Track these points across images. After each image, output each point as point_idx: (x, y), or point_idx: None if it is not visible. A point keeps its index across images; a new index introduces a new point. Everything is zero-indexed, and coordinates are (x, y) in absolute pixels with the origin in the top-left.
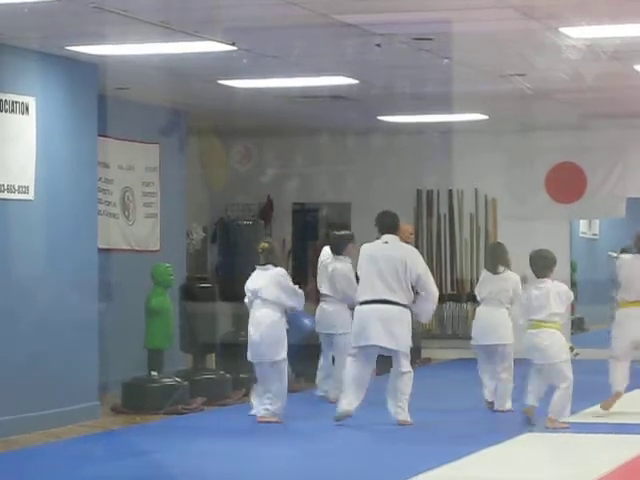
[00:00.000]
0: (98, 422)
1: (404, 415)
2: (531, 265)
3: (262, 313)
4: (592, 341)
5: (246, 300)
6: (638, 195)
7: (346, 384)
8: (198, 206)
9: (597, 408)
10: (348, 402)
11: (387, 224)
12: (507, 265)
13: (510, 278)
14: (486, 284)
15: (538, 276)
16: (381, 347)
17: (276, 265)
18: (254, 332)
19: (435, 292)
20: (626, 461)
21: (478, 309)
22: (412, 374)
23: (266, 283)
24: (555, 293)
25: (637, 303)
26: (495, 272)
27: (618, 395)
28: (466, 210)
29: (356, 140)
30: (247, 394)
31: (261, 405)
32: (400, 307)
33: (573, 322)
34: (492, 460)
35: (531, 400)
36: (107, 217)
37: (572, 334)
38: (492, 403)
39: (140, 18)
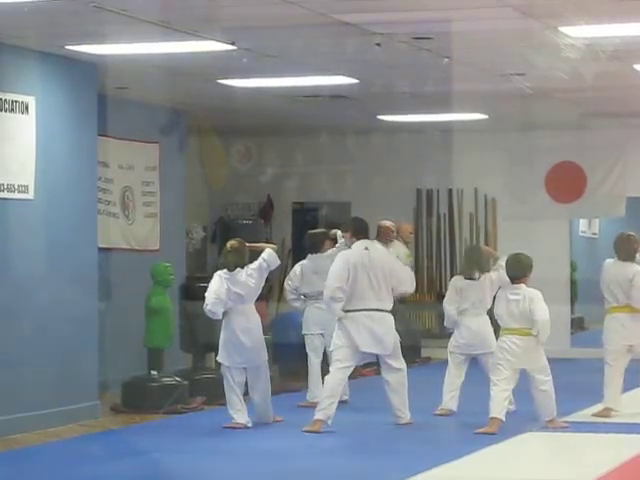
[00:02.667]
0: (98, 421)
1: (405, 419)
2: (507, 270)
3: (248, 318)
4: (592, 340)
5: (213, 307)
6: (638, 194)
7: (330, 392)
8: (198, 205)
9: (596, 408)
10: (327, 412)
11: (361, 229)
12: (486, 270)
13: (487, 283)
14: (466, 293)
15: (513, 282)
16: (370, 353)
17: (243, 266)
18: (244, 337)
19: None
20: (626, 461)
21: (461, 319)
22: (405, 371)
23: (246, 286)
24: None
25: (623, 308)
26: (472, 278)
27: (608, 411)
28: (466, 209)
29: (356, 139)
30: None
31: (243, 412)
32: (388, 314)
33: (573, 321)
34: (492, 460)
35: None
36: (107, 216)
37: (572, 333)
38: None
39: (140, 17)
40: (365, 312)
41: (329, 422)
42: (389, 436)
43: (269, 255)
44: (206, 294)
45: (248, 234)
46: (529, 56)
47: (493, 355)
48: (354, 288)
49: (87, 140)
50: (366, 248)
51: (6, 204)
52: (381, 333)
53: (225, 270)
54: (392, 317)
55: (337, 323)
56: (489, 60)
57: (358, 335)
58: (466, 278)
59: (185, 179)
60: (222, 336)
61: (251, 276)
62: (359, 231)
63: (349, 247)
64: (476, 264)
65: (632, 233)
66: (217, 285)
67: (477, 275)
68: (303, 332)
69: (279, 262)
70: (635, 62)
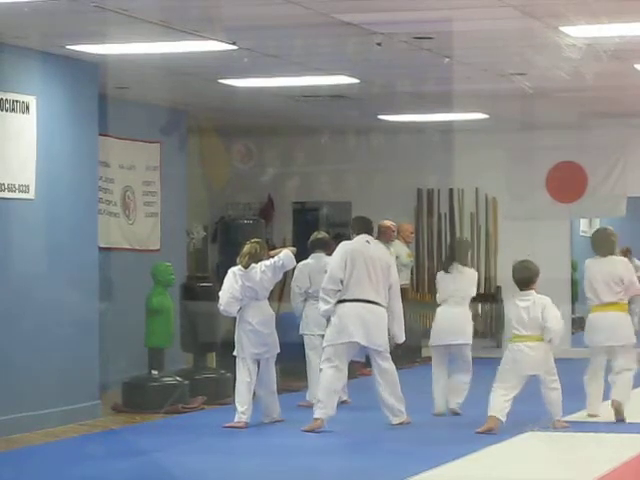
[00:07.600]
0: (99, 421)
1: (403, 417)
2: (514, 277)
3: (263, 311)
4: None
5: (227, 307)
6: (638, 194)
7: (326, 389)
8: (199, 205)
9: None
10: (327, 411)
11: (364, 225)
12: (466, 263)
13: (468, 275)
14: (443, 285)
15: (521, 288)
16: (362, 346)
17: (256, 262)
18: (261, 327)
19: (401, 307)
20: (626, 461)
21: (439, 309)
22: (394, 368)
23: (260, 282)
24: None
25: (605, 307)
26: (448, 271)
27: (594, 416)
28: (467, 209)
29: (357, 139)
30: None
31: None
32: (383, 308)
33: (573, 321)
34: (492, 459)
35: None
36: (108, 216)
37: (572, 333)
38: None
39: (141, 17)
40: (361, 303)
41: (324, 424)
42: (389, 436)
43: (285, 255)
44: (220, 293)
45: (249, 234)
46: (530, 56)
47: (467, 348)
48: (351, 276)
49: (88, 140)
50: (367, 241)
51: (7, 204)
52: (373, 326)
53: (239, 267)
54: (386, 313)
55: (332, 315)
56: (490, 60)
57: (352, 324)
58: (440, 270)
59: (186, 179)
60: (237, 331)
61: (264, 273)
62: (361, 227)
63: None
64: (455, 256)
65: (608, 227)
66: (230, 282)
67: (453, 267)
68: (302, 332)
69: (295, 263)
70: (636, 62)
